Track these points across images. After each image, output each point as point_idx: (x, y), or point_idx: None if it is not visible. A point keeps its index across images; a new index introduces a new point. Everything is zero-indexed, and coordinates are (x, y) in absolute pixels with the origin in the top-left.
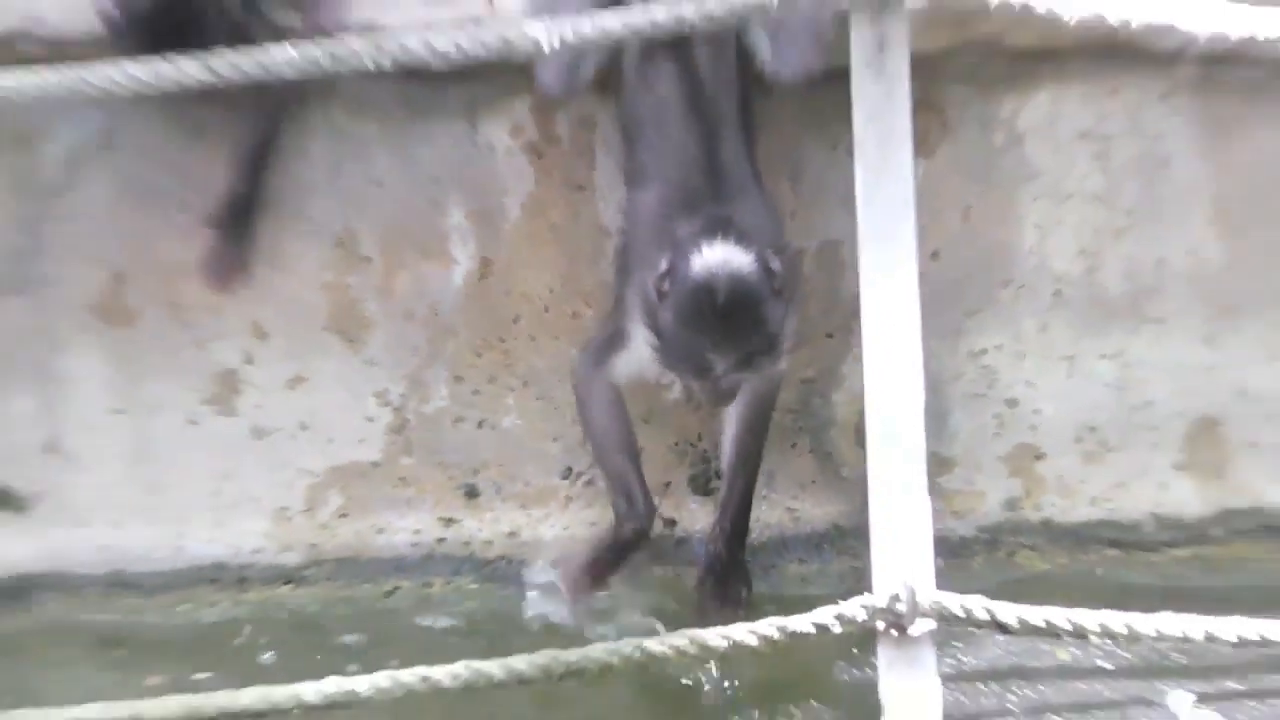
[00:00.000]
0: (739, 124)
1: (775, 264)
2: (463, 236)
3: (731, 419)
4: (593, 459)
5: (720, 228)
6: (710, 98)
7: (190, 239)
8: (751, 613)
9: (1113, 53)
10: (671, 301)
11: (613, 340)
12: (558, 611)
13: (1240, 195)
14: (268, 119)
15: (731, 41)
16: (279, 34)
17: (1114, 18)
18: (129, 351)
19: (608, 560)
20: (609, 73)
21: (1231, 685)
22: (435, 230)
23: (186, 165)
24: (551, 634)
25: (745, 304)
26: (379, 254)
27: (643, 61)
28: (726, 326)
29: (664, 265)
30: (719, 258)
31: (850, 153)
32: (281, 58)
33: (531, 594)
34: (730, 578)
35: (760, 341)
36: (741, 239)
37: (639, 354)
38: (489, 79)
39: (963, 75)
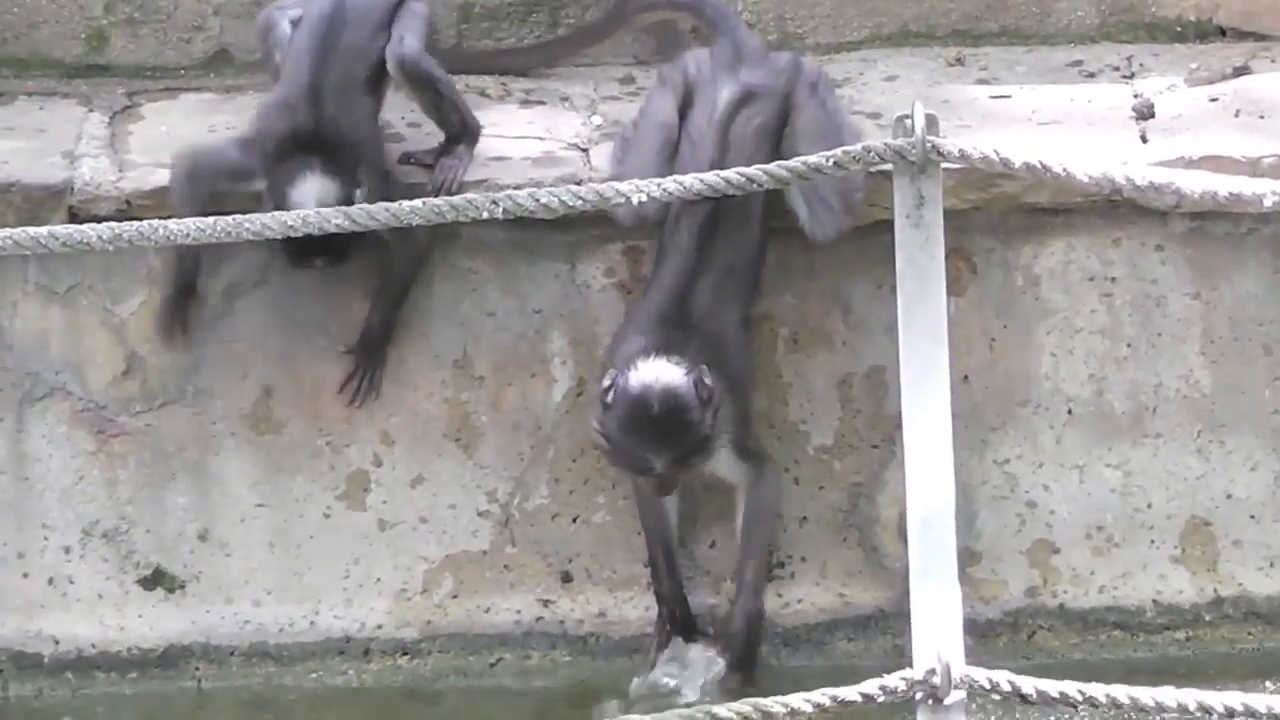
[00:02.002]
0: (736, 273)
1: (706, 379)
2: (562, 359)
3: (739, 527)
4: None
5: (662, 348)
6: (712, 243)
7: (330, 361)
8: (805, 683)
9: (1115, 209)
10: (614, 411)
11: None
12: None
13: (1225, 330)
14: (408, 264)
15: (759, 201)
16: (413, 192)
17: (1118, 176)
18: (274, 455)
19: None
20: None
21: None
22: (539, 354)
23: (328, 298)
24: (632, 704)
25: (676, 413)
26: (490, 374)
27: (681, 205)
28: (660, 433)
29: (608, 379)
30: (653, 374)
31: (893, 291)
32: (412, 209)
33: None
34: (743, 665)
35: (691, 444)
36: (681, 360)
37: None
38: (586, 227)
39: (988, 227)
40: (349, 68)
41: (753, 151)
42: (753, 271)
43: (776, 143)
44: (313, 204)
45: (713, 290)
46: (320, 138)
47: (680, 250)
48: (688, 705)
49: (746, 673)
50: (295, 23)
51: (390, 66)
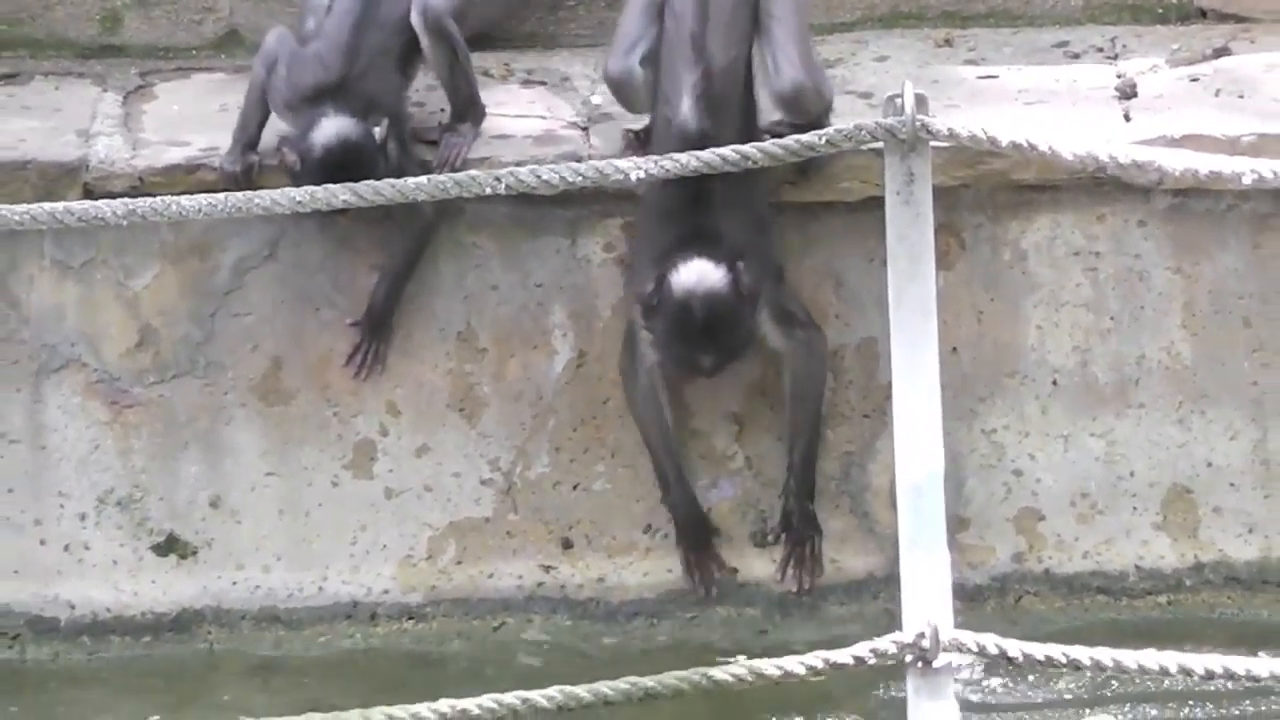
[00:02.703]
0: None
1: (743, 273)
2: (563, 332)
3: (787, 396)
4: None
5: (697, 242)
6: (711, 129)
7: (338, 334)
8: (800, 649)
9: (1099, 186)
10: (660, 315)
11: (630, 333)
12: None
13: (1206, 303)
14: (413, 239)
15: (741, 79)
16: (423, 169)
17: (1102, 154)
18: (283, 425)
19: (692, 550)
20: None
21: (1200, 711)
22: (540, 327)
23: (335, 273)
24: (630, 665)
25: (719, 314)
26: (493, 346)
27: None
28: (706, 333)
29: (650, 283)
30: (694, 276)
31: (884, 265)
32: (416, 185)
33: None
34: (804, 527)
35: (738, 339)
36: (716, 248)
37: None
38: (586, 203)
39: (976, 204)
40: (384, 39)
41: (730, 20)
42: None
43: (754, 7)
44: (335, 139)
45: (723, 178)
46: (348, 89)
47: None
48: None
49: (811, 542)
50: None
51: (414, 16)
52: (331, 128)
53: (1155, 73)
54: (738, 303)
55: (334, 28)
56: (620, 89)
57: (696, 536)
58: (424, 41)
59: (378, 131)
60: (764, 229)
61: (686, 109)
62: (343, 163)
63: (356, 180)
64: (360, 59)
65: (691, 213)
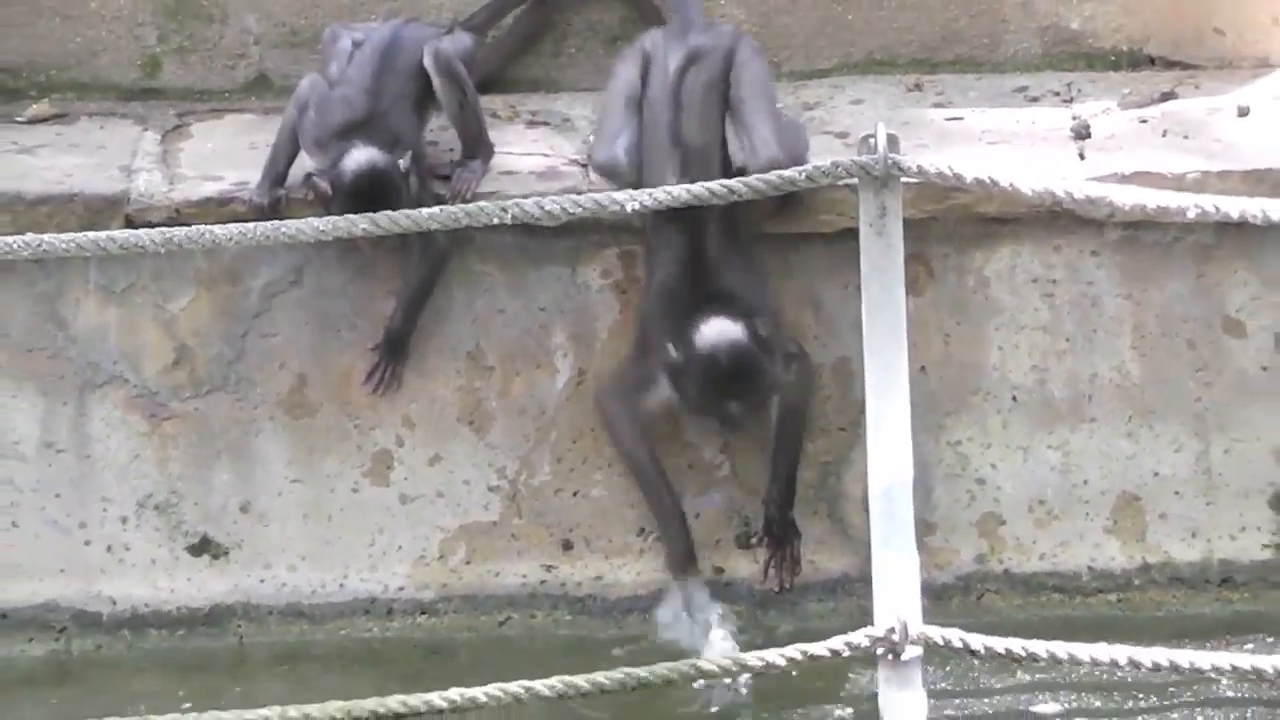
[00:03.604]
0: (721, 218)
1: (761, 326)
2: (564, 352)
3: (776, 417)
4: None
5: (710, 305)
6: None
7: (358, 353)
8: (779, 641)
9: (1056, 219)
10: (689, 372)
11: (643, 382)
12: (682, 638)
13: (1154, 327)
14: (428, 267)
15: (718, 154)
16: (437, 201)
17: (1059, 190)
18: (308, 436)
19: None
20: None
21: (1147, 701)
22: (543, 347)
23: (356, 297)
24: (625, 658)
25: (744, 366)
26: (500, 365)
27: (657, 177)
28: (734, 385)
29: (675, 350)
30: (716, 332)
31: (859, 291)
32: (430, 215)
33: (662, 623)
34: (785, 532)
35: (761, 386)
36: (732, 310)
37: (664, 395)
38: (585, 234)
39: (944, 235)
40: (402, 84)
41: (702, 107)
42: (731, 211)
43: (723, 93)
44: (365, 166)
45: (713, 236)
46: (374, 125)
47: (682, 223)
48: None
49: (791, 545)
50: (357, 44)
51: (427, 59)
52: (361, 156)
53: (1107, 115)
54: (759, 351)
55: (358, 73)
56: (608, 175)
57: (685, 567)
58: (436, 83)
59: (402, 163)
60: (762, 284)
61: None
62: (371, 189)
63: (383, 206)
64: (383, 100)
65: (699, 283)
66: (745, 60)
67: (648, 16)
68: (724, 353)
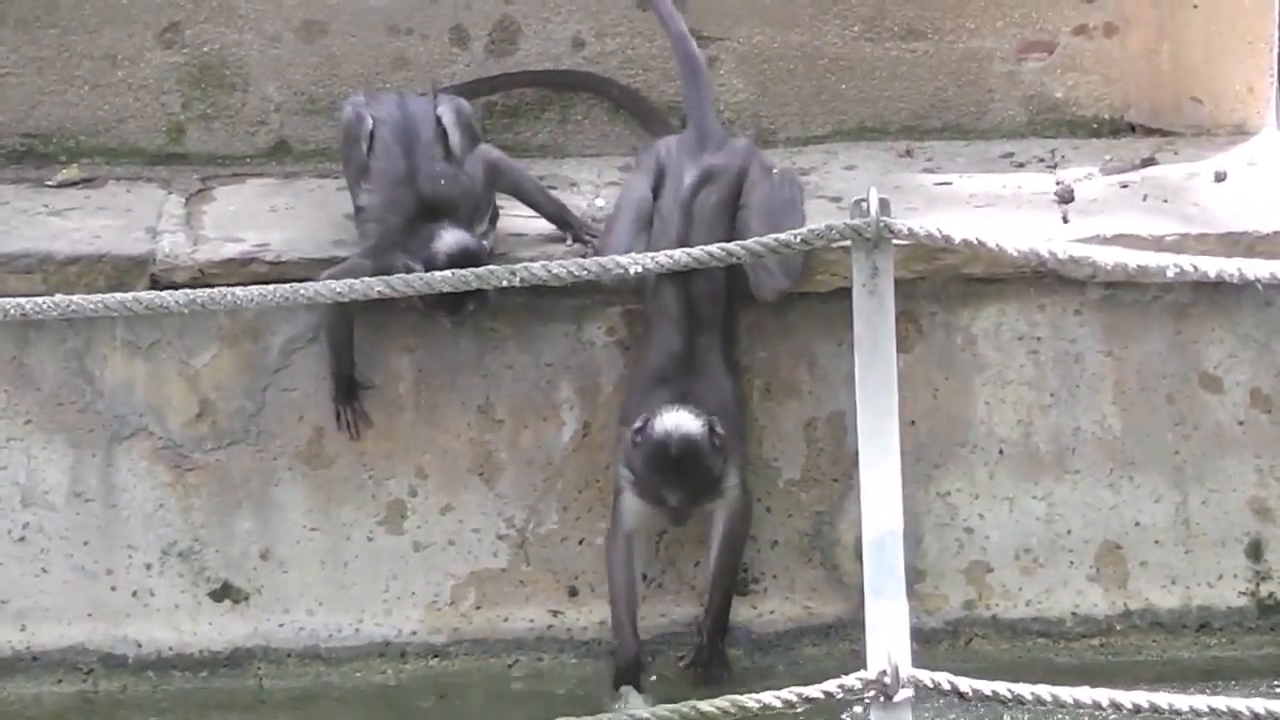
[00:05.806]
0: (719, 328)
1: (719, 428)
2: (570, 406)
3: (713, 543)
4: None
5: (682, 399)
6: (697, 307)
7: (372, 406)
8: (775, 682)
9: (1040, 279)
10: (640, 451)
11: (616, 493)
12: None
13: (1134, 382)
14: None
15: (723, 270)
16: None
17: (1043, 251)
18: (325, 486)
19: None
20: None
21: None
22: (550, 401)
23: (369, 353)
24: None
25: (691, 457)
26: (509, 418)
27: (659, 278)
28: (677, 472)
29: (639, 423)
30: (674, 422)
31: (851, 348)
32: (442, 278)
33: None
34: (712, 663)
35: (704, 485)
36: (698, 408)
37: (631, 500)
38: (591, 294)
39: (933, 294)
40: (429, 152)
41: (712, 224)
42: (727, 327)
43: (733, 216)
44: (458, 249)
45: (705, 346)
46: (435, 205)
47: (671, 316)
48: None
49: (712, 673)
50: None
51: (473, 162)
52: (453, 240)
53: (1090, 180)
54: (709, 450)
55: (387, 167)
56: (613, 284)
57: (631, 675)
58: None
59: (486, 242)
60: (740, 407)
61: (676, 308)
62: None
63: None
64: (423, 182)
65: (681, 378)
66: (756, 180)
67: (650, 125)
68: (675, 442)
